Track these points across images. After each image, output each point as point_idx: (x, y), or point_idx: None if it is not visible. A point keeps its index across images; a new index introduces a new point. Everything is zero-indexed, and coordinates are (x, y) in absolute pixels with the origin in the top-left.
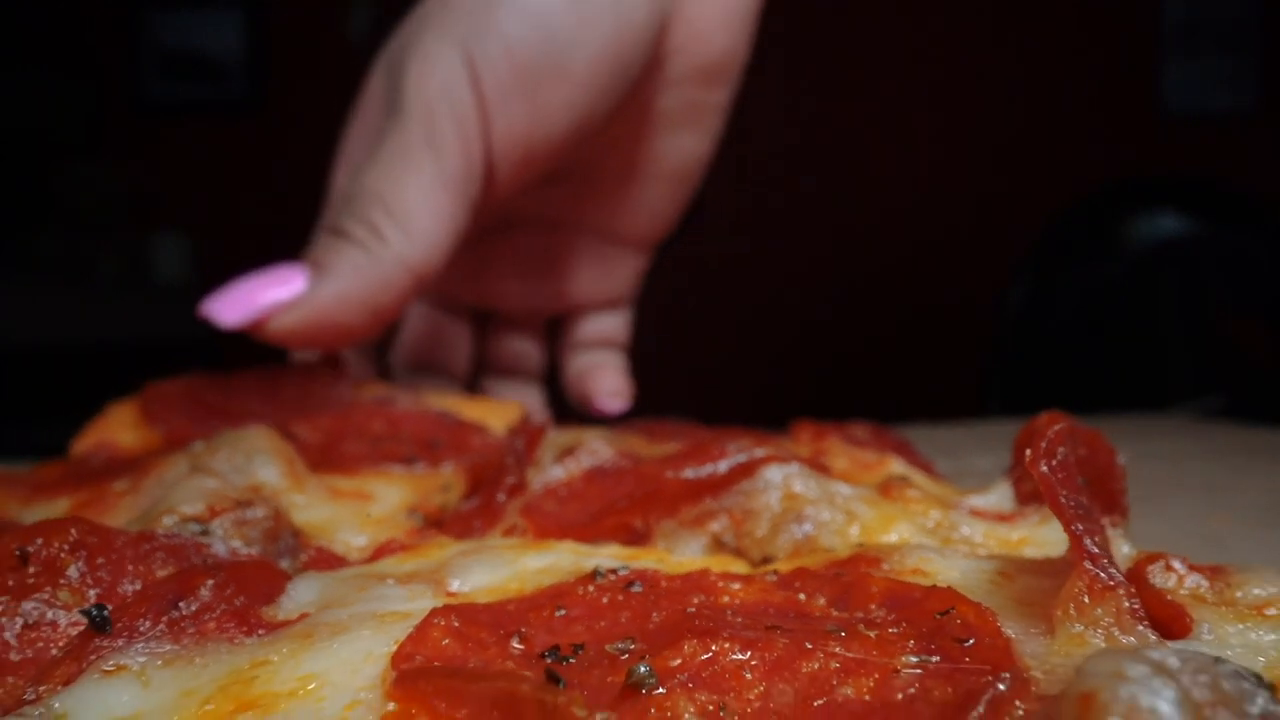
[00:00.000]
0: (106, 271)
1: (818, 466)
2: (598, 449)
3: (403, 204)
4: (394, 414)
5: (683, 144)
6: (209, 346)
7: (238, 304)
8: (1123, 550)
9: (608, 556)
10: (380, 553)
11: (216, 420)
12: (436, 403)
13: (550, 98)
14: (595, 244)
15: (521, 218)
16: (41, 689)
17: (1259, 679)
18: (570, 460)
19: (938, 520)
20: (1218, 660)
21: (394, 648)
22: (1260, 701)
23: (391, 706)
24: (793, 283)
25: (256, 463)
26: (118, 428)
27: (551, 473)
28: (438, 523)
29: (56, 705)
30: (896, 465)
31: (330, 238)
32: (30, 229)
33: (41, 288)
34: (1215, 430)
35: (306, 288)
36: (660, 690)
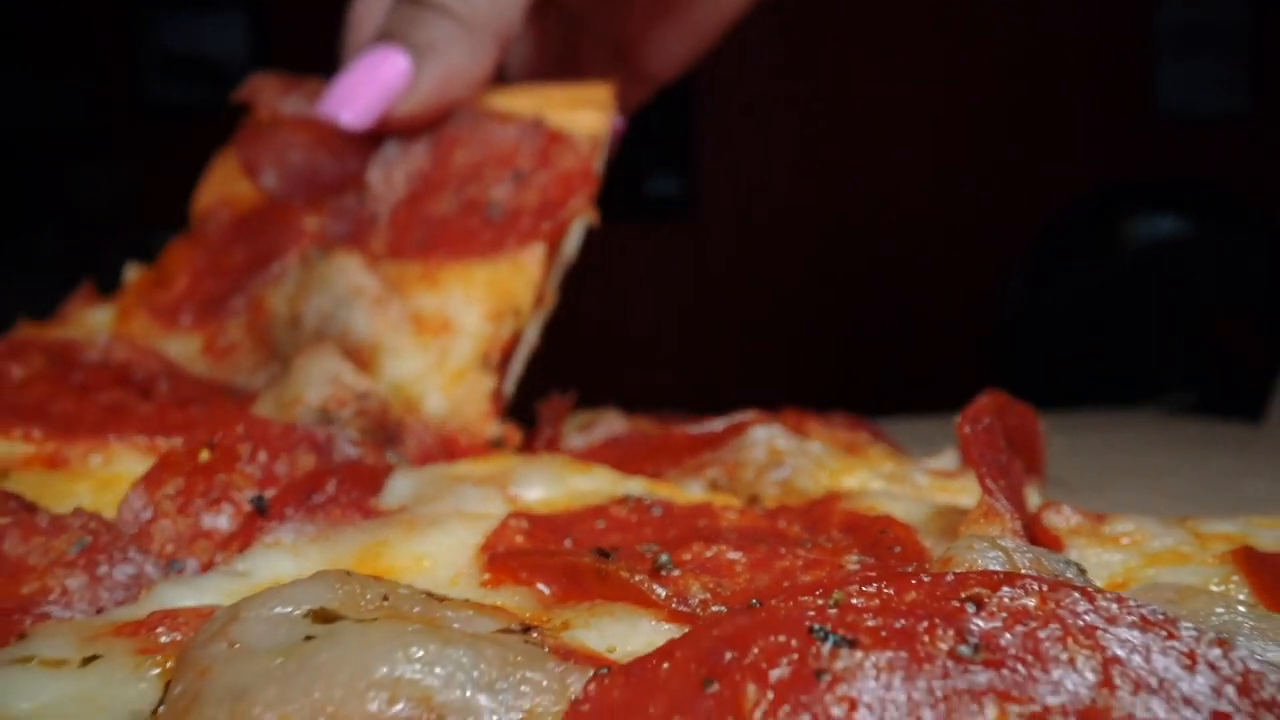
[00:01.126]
0: (111, 270)
1: (797, 432)
2: (613, 423)
3: None
4: (480, 138)
5: (716, 2)
6: None
7: (354, 101)
8: (1033, 500)
9: (635, 485)
10: (456, 454)
11: (306, 180)
12: (526, 102)
13: None
14: (606, 59)
15: (554, 3)
16: (224, 554)
17: (1076, 564)
18: (590, 431)
19: (892, 470)
20: (1051, 551)
21: (481, 539)
22: (1070, 574)
23: (486, 576)
24: (793, 283)
25: (344, 311)
26: (226, 182)
27: (572, 442)
28: (507, 359)
29: (239, 566)
30: (864, 441)
31: (411, 9)
32: (34, 229)
33: (44, 287)
34: (1176, 424)
35: (413, 71)
36: (676, 572)
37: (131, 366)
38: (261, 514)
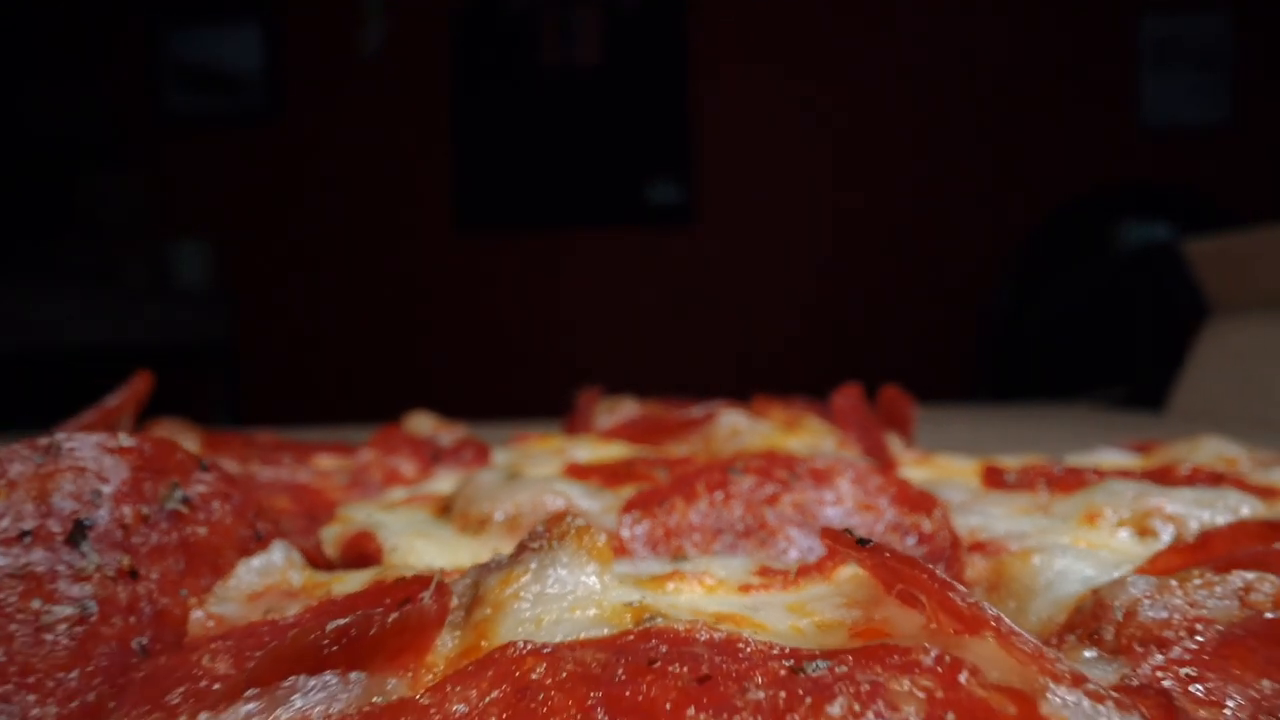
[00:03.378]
0: (130, 277)
1: (757, 415)
2: (630, 407)
3: None
4: None
5: None
6: (227, 349)
7: None
8: (897, 447)
9: (643, 449)
10: (521, 440)
11: None
12: None
13: None
14: None
15: None
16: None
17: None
18: (614, 414)
19: (812, 441)
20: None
21: (559, 467)
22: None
23: (568, 477)
24: (790, 285)
25: None
26: None
27: (601, 421)
28: None
29: (425, 485)
30: (811, 420)
31: None
32: (57, 237)
33: (67, 293)
34: (1098, 414)
35: None
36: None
37: None
38: (435, 460)
